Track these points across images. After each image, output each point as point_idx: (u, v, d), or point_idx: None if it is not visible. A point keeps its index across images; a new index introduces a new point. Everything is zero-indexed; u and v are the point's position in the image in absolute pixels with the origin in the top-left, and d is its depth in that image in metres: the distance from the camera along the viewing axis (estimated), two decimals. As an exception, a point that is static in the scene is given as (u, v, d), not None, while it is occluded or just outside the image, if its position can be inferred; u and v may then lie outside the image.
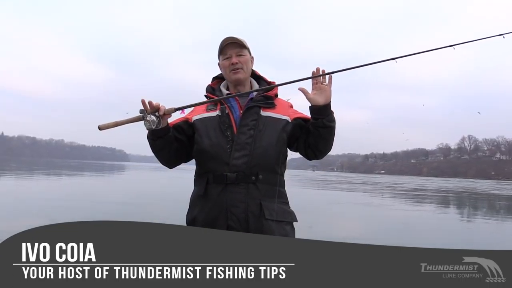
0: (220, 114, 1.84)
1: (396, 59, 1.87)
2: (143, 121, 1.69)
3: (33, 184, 16.74)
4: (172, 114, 1.74)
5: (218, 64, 1.96)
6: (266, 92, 1.89)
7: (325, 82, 1.74)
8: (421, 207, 15.65)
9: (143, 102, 1.66)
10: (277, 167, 1.83)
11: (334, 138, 1.83)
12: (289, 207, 1.88)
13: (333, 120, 1.76)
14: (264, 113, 1.84)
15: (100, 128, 1.64)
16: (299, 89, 1.75)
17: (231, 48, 1.87)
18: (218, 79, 2.03)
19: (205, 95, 1.97)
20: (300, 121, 1.86)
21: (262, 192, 1.77)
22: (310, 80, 1.75)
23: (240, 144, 1.76)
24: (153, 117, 1.67)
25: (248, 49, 1.92)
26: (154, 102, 1.68)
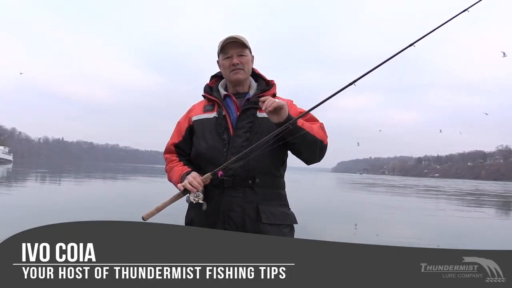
0: (217, 116, 1.82)
1: (414, 44, 1.76)
2: (184, 196, 1.68)
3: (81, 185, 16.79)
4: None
5: (217, 62, 1.92)
6: (264, 92, 1.85)
7: (269, 105, 1.62)
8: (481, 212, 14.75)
9: (186, 187, 1.64)
10: (275, 169, 1.82)
11: (323, 149, 1.76)
12: (289, 209, 1.86)
13: (299, 136, 1.67)
14: (260, 114, 1.79)
15: (144, 219, 1.60)
16: (260, 103, 1.68)
17: (233, 47, 1.83)
18: (216, 78, 2.00)
19: (202, 95, 1.94)
20: None
21: (260, 195, 1.75)
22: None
23: (236, 148, 1.73)
24: (199, 192, 1.65)
25: (249, 48, 1.88)
26: (195, 180, 1.65)
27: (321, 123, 1.84)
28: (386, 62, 1.74)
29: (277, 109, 1.63)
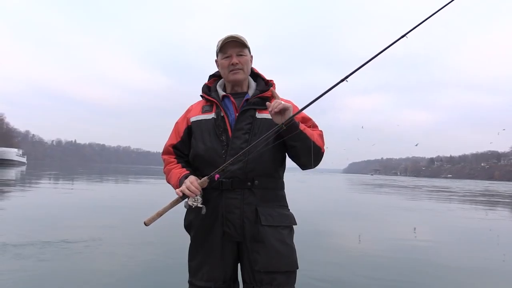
0: (215, 117, 1.79)
1: (407, 35, 1.68)
2: (183, 201, 1.69)
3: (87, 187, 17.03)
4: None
5: (216, 61, 1.90)
6: (263, 93, 1.83)
7: (280, 104, 1.62)
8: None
9: (184, 192, 1.64)
10: (274, 171, 1.81)
11: (320, 156, 1.76)
12: (288, 210, 1.85)
13: (299, 139, 1.67)
14: (259, 115, 1.77)
15: (146, 224, 1.64)
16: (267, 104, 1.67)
17: (232, 47, 1.80)
18: (215, 77, 1.97)
19: (200, 95, 1.92)
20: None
21: (258, 197, 1.74)
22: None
23: (235, 149, 1.70)
24: (198, 196, 1.66)
25: (248, 48, 1.85)
26: (192, 185, 1.64)
27: (321, 131, 1.84)
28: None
29: (282, 111, 1.62)
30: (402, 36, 1.69)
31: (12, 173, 29.83)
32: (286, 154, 1.85)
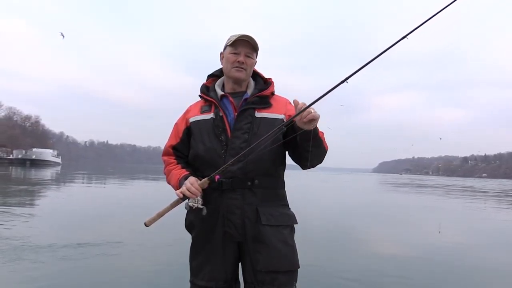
0: (214, 117, 1.78)
1: (407, 36, 1.60)
2: (183, 202, 1.69)
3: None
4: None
5: (221, 54, 1.87)
6: (262, 91, 1.83)
7: (310, 112, 1.51)
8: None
9: (185, 193, 1.64)
10: (274, 170, 1.80)
11: (324, 154, 1.76)
12: (289, 209, 1.85)
13: (316, 146, 1.62)
14: (258, 114, 1.77)
15: (146, 225, 1.66)
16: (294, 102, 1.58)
17: (243, 46, 1.79)
18: (213, 77, 1.95)
19: (199, 95, 1.91)
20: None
21: (259, 197, 1.74)
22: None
23: (235, 149, 1.70)
24: (198, 198, 1.66)
25: (257, 53, 1.86)
26: (192, 186, 1.64)
27: (322, 132, 1.79)
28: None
29: (312, 121, 1.53)
30: (403, 38, 1.61)
31: (48, 173, 31.14)
32: (287, 152, 1.84)
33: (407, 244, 6.45)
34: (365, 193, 21.36)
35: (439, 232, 8.13)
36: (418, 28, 1.64)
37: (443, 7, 1.68)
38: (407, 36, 1.61)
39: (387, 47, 1.61)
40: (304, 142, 1.62)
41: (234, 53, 1.80)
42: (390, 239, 6.92)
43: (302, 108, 1.51)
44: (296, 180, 30.29)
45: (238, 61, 1.79)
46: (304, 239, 5.84)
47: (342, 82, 1.54)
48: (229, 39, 1.82)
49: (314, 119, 1.52)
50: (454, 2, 1.69)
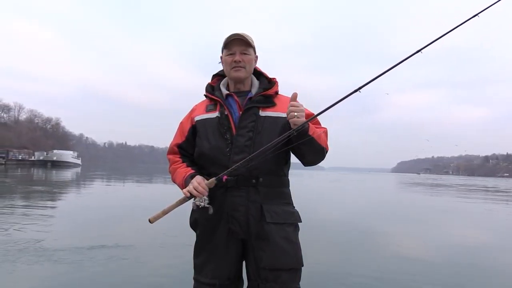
0: (219, 116, 1.81)
1: (422, 50, 1.72)
2: (189, 200, 1.70)
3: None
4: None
5: (221, 57, 1.90)
6: (266, 91, 1.85)
7: (298, 110, 1.62)
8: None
9: (192, 193, 1.66)
10: (278, 168, 1.82)
11: (324, 155, 1.79)
12: (293, 208, 1.85)
13: (308, 143, 1.66)
14: (263, 113, 1.79)
15: (150, 221, 1.68)
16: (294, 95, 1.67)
17: (237, 44, 1.81)
18: (218, 76, 1.98)
19: (204, 95, 1.93)
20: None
21: (263, 195, 1.75)
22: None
23: (239, 147, 1.73)
24: (204, 197, 1.68)
25: (253, 48, 1.86)
26: (200, 186, 1.67)
27: (325, 129, 1.84)
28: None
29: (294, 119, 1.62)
30: (418, 51, 1.69)
31: (68, 174, 31.90)
32: (290, 151, 1.85)
33: (429, 244, 6.39)
34: (381, 193, 21.10)
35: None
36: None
37: (463, 21, 1.79)
38: (421, 50, 1.70)
39: (401, 59, 1.69)
40: (294, 138, 1.65)
41: (230, 54, 1.83)
42: (412, 240, 6.84)
43: (314, 115, 1.65)
44: (308, 179, 30.07)
45: (235, 61, 1.81)
46: (323, 239, 5.86)
47: (355, 91, 1.61)
48: (223, 42, 1.85)
49: (296, 118, 1.60)
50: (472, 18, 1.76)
